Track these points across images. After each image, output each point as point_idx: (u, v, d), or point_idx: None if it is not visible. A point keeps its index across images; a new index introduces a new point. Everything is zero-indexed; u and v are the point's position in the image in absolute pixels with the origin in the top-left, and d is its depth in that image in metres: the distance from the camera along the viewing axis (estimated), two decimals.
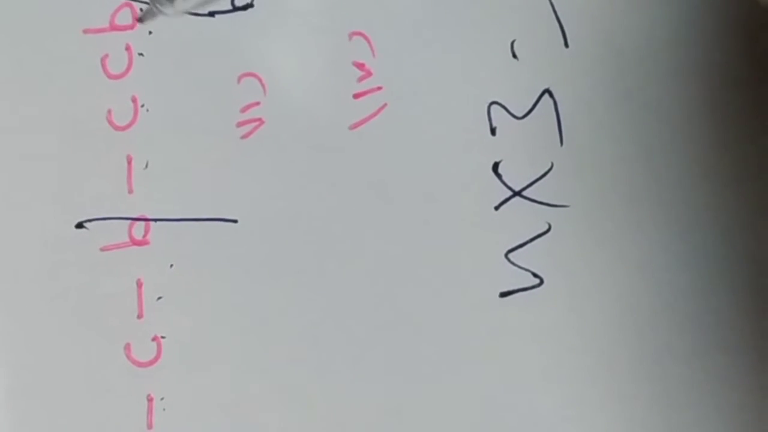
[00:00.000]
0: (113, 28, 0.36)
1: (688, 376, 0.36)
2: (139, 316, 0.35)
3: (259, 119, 0.36)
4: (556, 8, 0.36)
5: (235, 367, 0.35)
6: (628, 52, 0.36)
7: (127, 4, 0.36)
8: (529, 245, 0.36)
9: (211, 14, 0.36)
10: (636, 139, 0.36)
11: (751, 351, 0.36)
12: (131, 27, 0.36)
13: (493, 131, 0.36)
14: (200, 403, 0.35)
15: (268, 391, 0.35)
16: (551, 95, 0.36)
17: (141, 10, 0.35)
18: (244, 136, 0.36)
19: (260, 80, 0.36)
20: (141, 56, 0.36)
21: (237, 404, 0.35)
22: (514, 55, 0.36)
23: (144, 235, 0.35)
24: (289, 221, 0.36)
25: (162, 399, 0.35)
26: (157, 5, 0.31)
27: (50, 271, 0.35)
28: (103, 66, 0.35)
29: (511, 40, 0.36)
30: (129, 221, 0.35)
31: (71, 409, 0.34)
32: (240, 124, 0.36)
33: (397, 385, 0.36)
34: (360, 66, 0.36)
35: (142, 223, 0.35)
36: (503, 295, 0.36)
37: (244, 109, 0.36)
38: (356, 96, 0.36)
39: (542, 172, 0.36)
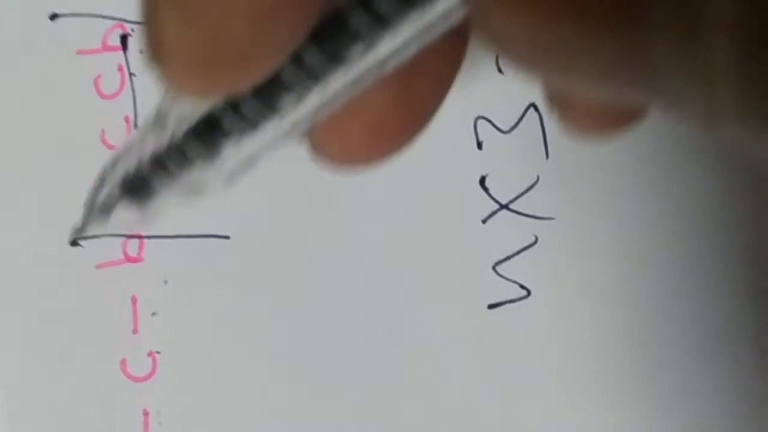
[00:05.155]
0: (105, 48, 0.36)
1: (678, 385, 0.37)
2: (134, 332, 0.36)
3: None
4: None
5: (229, 381, 0.36)
6: None
7: (118, 25, 0.36)
8: (516, 257, 0.36)
9: None
10: (621, 150, 0.37)
11: (741, 359, 0.37)
12: (122, 48, 0.36)
13: (479, 145, 0.37)
14: (196, 417, 0.35)
15: (262, 404, 0.36)
16: (536, 109, 0.37)
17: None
18: None
19: None
20: (133, 76, 0.36)
21: (232, 417, 0.36)
22: (500, 70, 0.37)
23: (138, 252, 0.36)
24: (280, 236, 0.36)
25: (158, 413, 0.35)
26: (91, 218, 0.26)
27: (47, 289, 0.35)
28: (96, 86, 0.36)
29: (496, 55, 0.37)
30: (123, 238, 0.36)
31: (69, 424, 0.35)
32: None
33: (386, 396, 0.36)
34: None
35: (136, 240, 0.36)
36: (491, 306, 0.36)
37: None
38: None
39: (528, 185, 0.37)
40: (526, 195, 0.37)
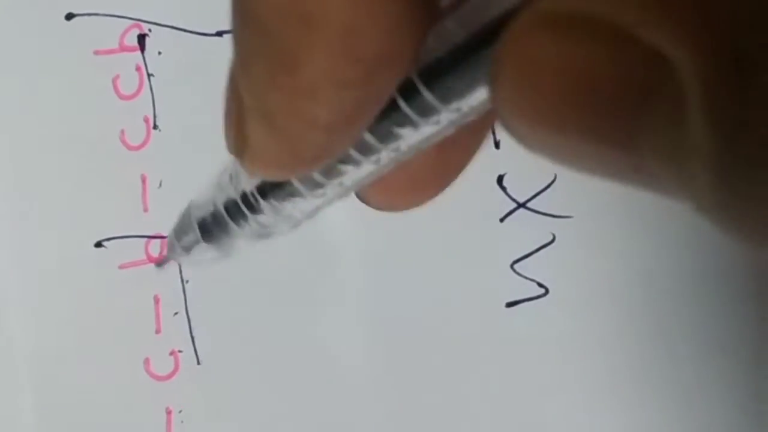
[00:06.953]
0: (122, 49, 0.36)
1: (693, 382, 0.37)
2: (157, 332, 0.36)
3: None
4: None
5: (250, 379, 0.36)
6: None
7: (135, 25, 0.36)
8: (533, 256, 0.37)
9: (219, 34, 0.36)
10: None
11: (755, 354, 0.37)
12: (140, 48, 0.36)
13: (497, 144, 0.37)
14: (217, 415, 0.36)
15: (283, 402, 0.36)
16: None
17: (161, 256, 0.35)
18: None
19: None
20: (151, 76, 0.36)
21: (253, 416, 0.36)
22: None
23: (160, 253, 0.36)
24: (300, 235, 0.36)
25: (180, 411, 0.36)
26: (174, 255, 0.30)
27: (72, 290, 0.36)
28: (115, 87, 0.36)
29: None
30: (145, 239, 0.36)
31: (94, 422, 0.36)
32: None
33: (405, 394, 0.37)
34: None
35: (158, 240, 0.36)
36: (509, 305, 0.37)
37: None
38: None
39: (546, 184, 0.37)
40: (543, 194, 0.37)
